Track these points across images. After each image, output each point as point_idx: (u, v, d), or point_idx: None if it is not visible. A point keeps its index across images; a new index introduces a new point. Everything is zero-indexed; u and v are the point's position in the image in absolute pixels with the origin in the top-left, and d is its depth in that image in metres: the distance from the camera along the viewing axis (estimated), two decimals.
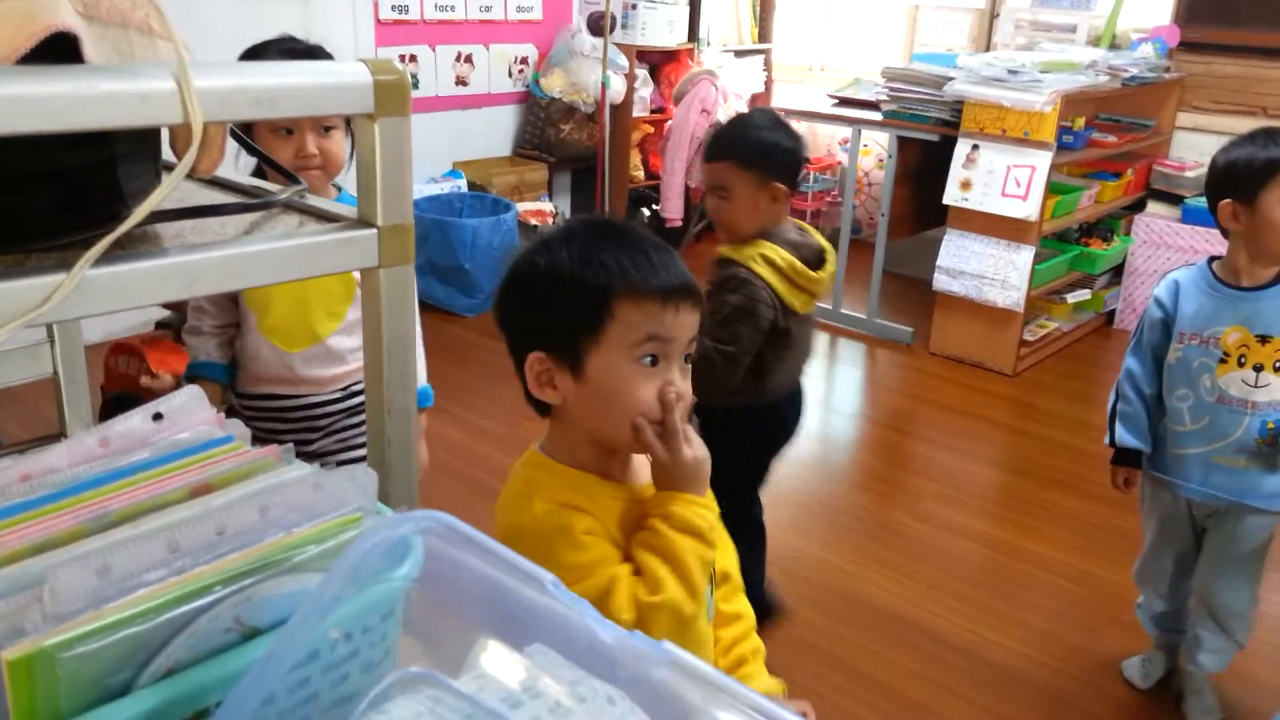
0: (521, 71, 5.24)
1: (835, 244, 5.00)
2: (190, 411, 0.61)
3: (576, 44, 5.10)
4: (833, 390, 4.14)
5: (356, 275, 0.84)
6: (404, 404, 0.86)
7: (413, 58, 4.75)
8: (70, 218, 0.71)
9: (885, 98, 4.33)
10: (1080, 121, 4.12)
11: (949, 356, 4.28)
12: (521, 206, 4.79)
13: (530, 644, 0.42)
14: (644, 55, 5.34)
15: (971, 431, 3.67)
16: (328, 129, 1.61)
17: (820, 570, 2.71)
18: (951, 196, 4.11)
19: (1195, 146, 4.54)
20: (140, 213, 0.65)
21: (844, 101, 4.74)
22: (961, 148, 4.06)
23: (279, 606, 0.50)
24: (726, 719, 0.37)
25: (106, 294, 0.67)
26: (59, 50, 0.64)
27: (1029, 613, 2.53)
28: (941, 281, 4.20)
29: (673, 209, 5.30)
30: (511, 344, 1.05)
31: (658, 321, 0.97)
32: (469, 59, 5.02)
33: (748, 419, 2.09)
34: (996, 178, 3.98)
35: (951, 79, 4.07)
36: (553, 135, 5.11)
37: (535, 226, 4.76)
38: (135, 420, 0.59)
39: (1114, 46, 4.55)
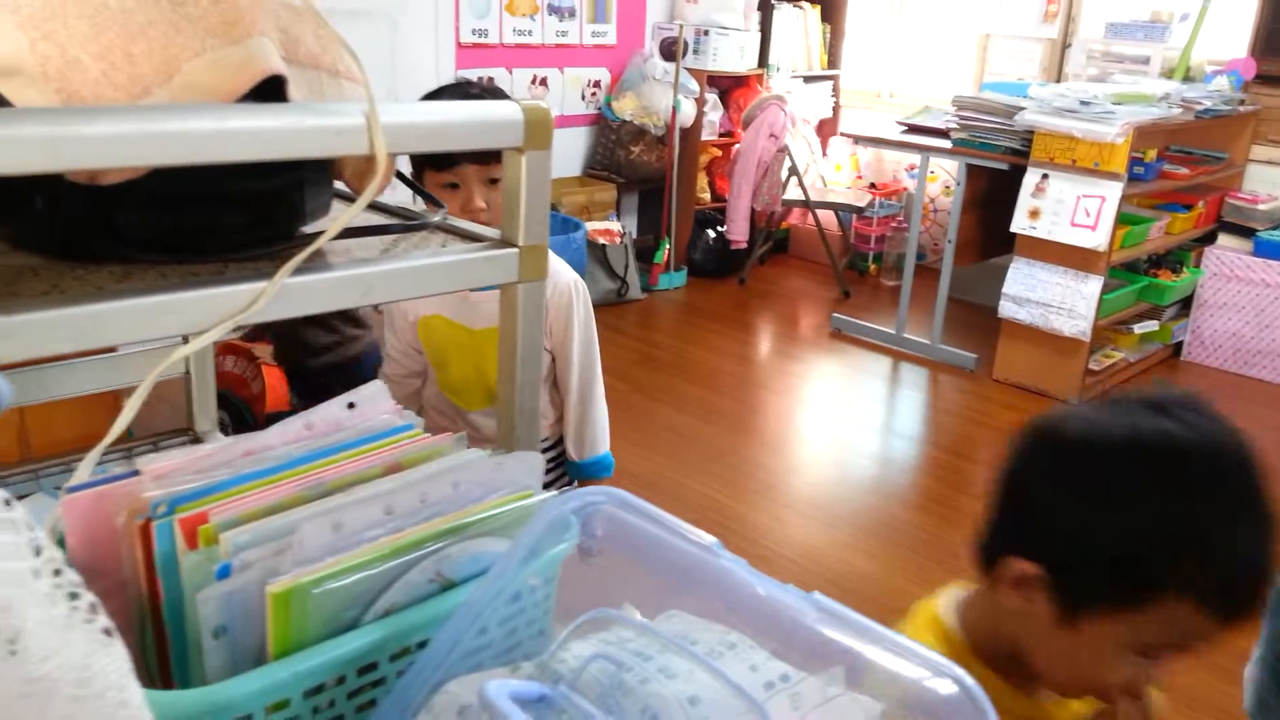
0: (594, 94, 5.37)
1: (900, 269, 5.05)
2: (377, 401, 0.71)
3: (649, 69, 5.23)
4: (894, 414, 4.18)
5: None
6: (531, 405, 0.95)
7: (490, 79, 4.91)
8: (261, 233, 0.81)
9: (955, 125, 4.37)
10: (1152, 153, 4.13)
11: (1013, 384, 4.29)
12: (590, 225, 4.91)
13: (698, 595, 0.51)
14: (714, 80, 5.44)
15: None
16: (494, 181, 1.61)
17: (881, 590, 2.76)
18: (1020, 225, 4.14)
19: (1269, 180, 4.52)
20: (335, 228, 0.76)
21: (913, 128, 4.79)
22: (1031, 177, 4.09)
23: (470, 564, 0.59)
24: (871, 654, 0.45)
25: (296, 300, 0.77)
26: (265, 90, 0.75)
27: None
28: (1007, 308, 4.23)
29: (738, 231, 5.39)
30: (1010, 509, 0.88)
31: (1195, 636, 0.78)
32: (544, 81, 5.17)
33: None
34: (1066, 207, 4.01)
35: (1022, 108, 4.11)
36: (622, 157, 5.23)
37: (603, 246, 4.87)
38: (333, 408, 0.69)
39: (1188, 79, 4.55)
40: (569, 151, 5.38)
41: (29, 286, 0.68)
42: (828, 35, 6.06)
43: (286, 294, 0.76)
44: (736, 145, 5.44)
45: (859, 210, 5.43)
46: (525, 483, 0.64)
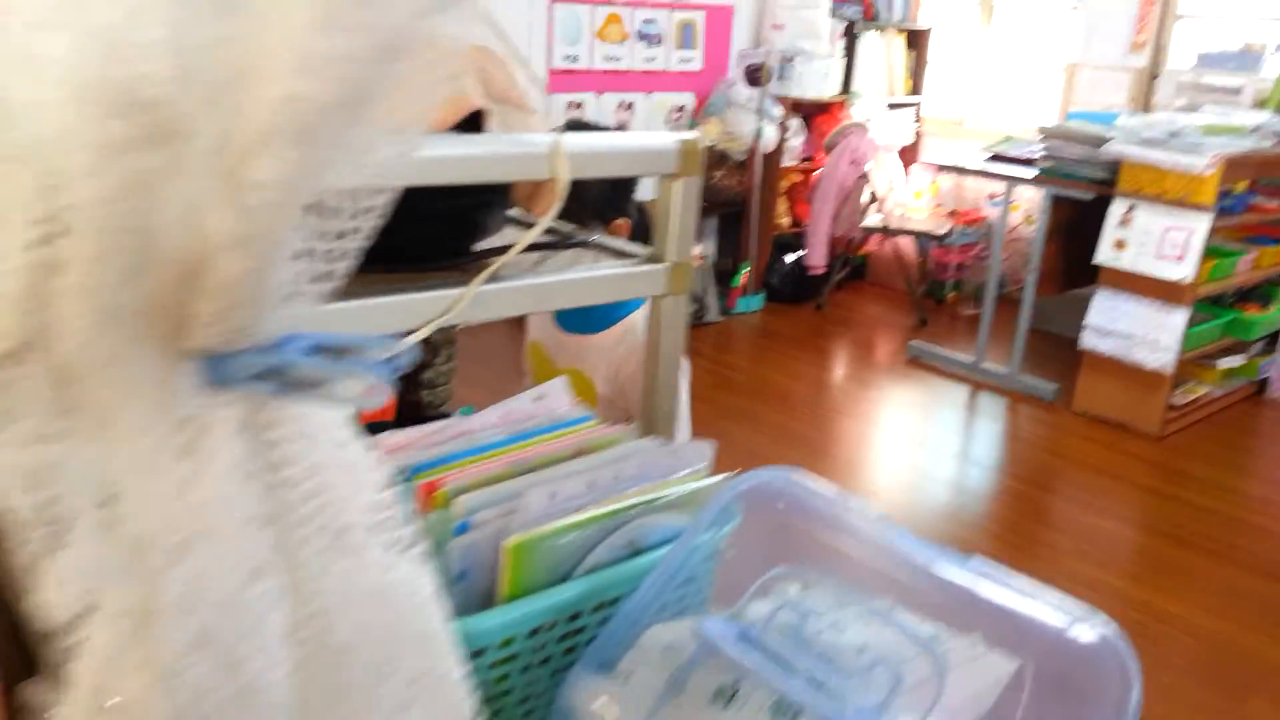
0: (678, 119, 5.50)
1: (978, 297, 5.06)
2: (558, 396, 0.81)
3: (733, 95, 5.33)
4: (971, 442, 4.19)
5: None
6: (669, 407, 1.05)
7: (579, 104, 5.06)
8: (451, 247, 0.92)
9: (1040, 155, 4.39)
10: (1242, 185, 4.11)
11: (1093, 416, 4.28)
12: None
13: (861, 560, 0.59)
14: (797, 106, 5.53)
15: (1113, 491, 3.68)
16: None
17: None
18: (1104, 256, 4.14)
19: None
20: (523, 243, 0.86)
21: (996, 157, 4.81)
22: (1117, 208, 4.09)
23: (655, 534, 0.69)
24: (1021, 606, 0.53)
25: (483, 306, 0.88)
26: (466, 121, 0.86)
27: (1167, 673, 2.56)
28: (1089, 339, 4.22)
29: (816, 256, 5.45)
30: None
31: None
32: (630, 106, 5.31)
33: None
34: (1152, 239, 4.00)
35: (1110, 139, 4.11)
36: (704, 181, 5.34)
37: None
38: (523, 401, 0.80)
39: None
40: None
41: None
42: (911, 62, 6.11)
43: (477, 300, 0.87)
44: (818, 171, 5.52)
45: (938, 238, 5.46)
46: (696, 465, 0.73)
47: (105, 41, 0.30)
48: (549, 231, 1.14)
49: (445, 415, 2.31)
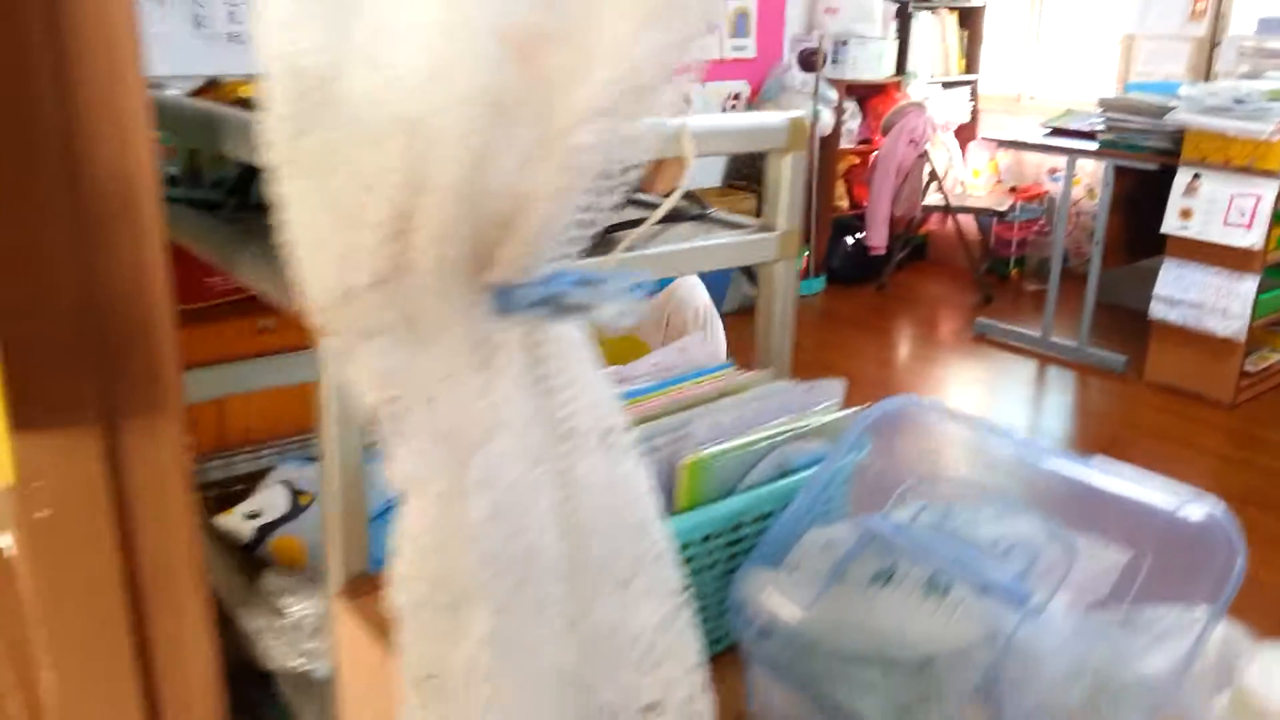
0: (734, 106, 5.57)
1: (1042, 273, 5.07)
2: (697, 348, 0.92)
3: (788, 80, 5.40)
4: (1042, 416, 4.23)
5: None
6: (784, 361, 1.15)
7: None
8: None
9: (1102, 127, 4.40)
10: None
11: (1164, 386, 4.28)
12: None
13: (988, 464, 0.69)
14: (852, 88, 5.57)
15: (1187, 460, 3.69)
16: None
17: None
18: (1171, 225, 4.14)
19: None
20: (658, 214, 0.97)
21: (1056, 131, 4.81)
22: (1182, 177, 4.09)
23: (801, 458, 0.79)
24: (1133, 492, 0.62)
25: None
26: None
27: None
28: (1158, 309, 4.22)
29: (877, 238, 5.49)
30: None
31: None
32: (685, 95, 5.39)
33: None
34: (1219, 207, 3.99)
35: (1172, 108, 4.11)
36: (762, 166, 5.41)
37: None
38: (670, 353, 0.90)
39: None
40: (710, 163, 5.57)
41: None
42: (965, 41, 6.11)
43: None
44: (875, 152, 5.55)
45: (1000, 214, 5.47)
46: (830, 400, 0.84)
47: (465, 36, 0.41)
48: (652, 206, 1.25)
49: None
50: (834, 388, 0.85)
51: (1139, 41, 5.47)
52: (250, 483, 1.50)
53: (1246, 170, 3.89)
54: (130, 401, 0.88)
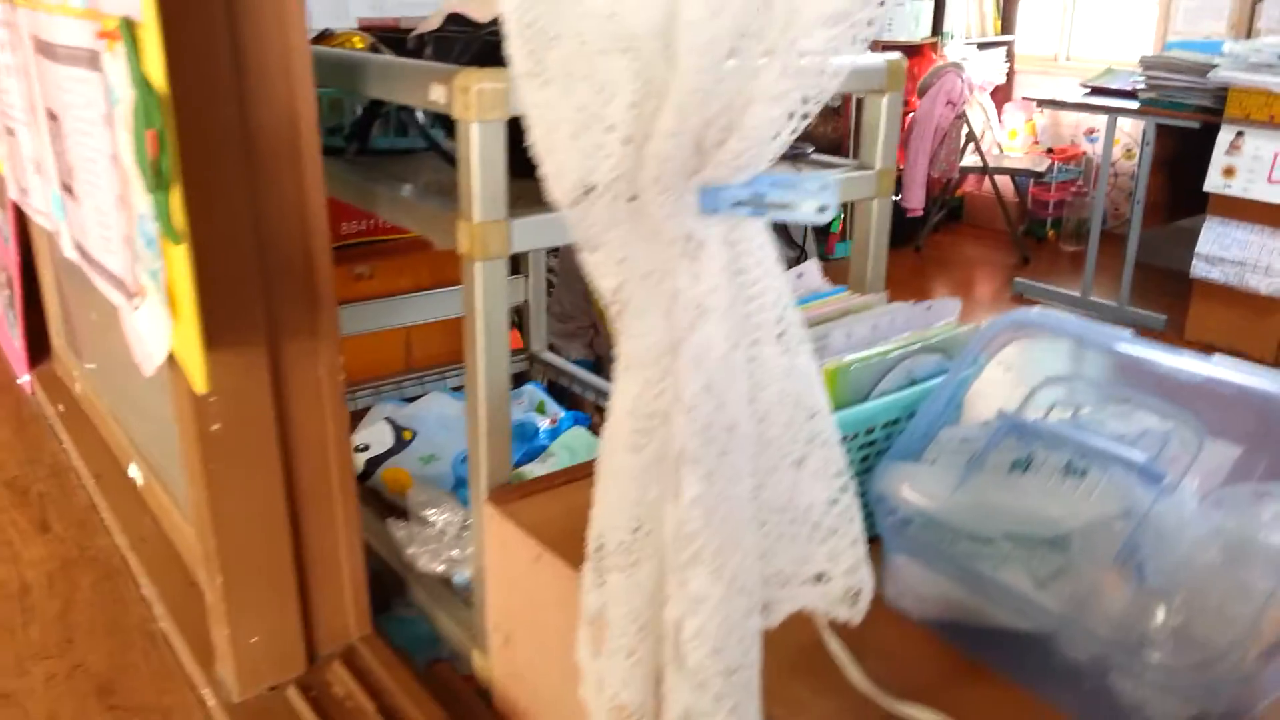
0: None
1: (1080, 234, 5.07)
2: (812, 274, 0.98)
3: None
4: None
5: None
6: (880, 289, 1.21)
7: None
8: None
9: (1143, 86, 4.39)
10: None
11: (1205, 344, 4.30)
12: None
13: (1109, 365, 0.75)
14: (888, 49, 5.55)
15: None
16: None
17: None
18: (1213, 184, 4.14)
19: None
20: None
21: (1096, 90, 4.81)
22: (1225, 135, 4.09)
23: (924, 369, 0.85)
24: (1257, 384, 0.68)
25: None
26: None
27: None
28: (1200, 268, 4.23)
29: (914, 199, 5.50)
30: None
31: None
32: None
33: None
34: (1263, 164, 3.99)
35: (1215, 65, 4.10)
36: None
37: None
38: (790, 276, 0.96)
39: None
40: None
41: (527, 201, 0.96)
42: (1001, 1, 6.08)
43: None
44: (911, 114, 5.55)
45: (1038, 175, 5.47)
46: (948, 318, 0.90)
47: None
48: None
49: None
50: (951, 306, 0.91)
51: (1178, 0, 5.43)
52: (351, 421, 1.58)
53: None
54: (292, 325, 0.95)
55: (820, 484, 0.65)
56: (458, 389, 1.68)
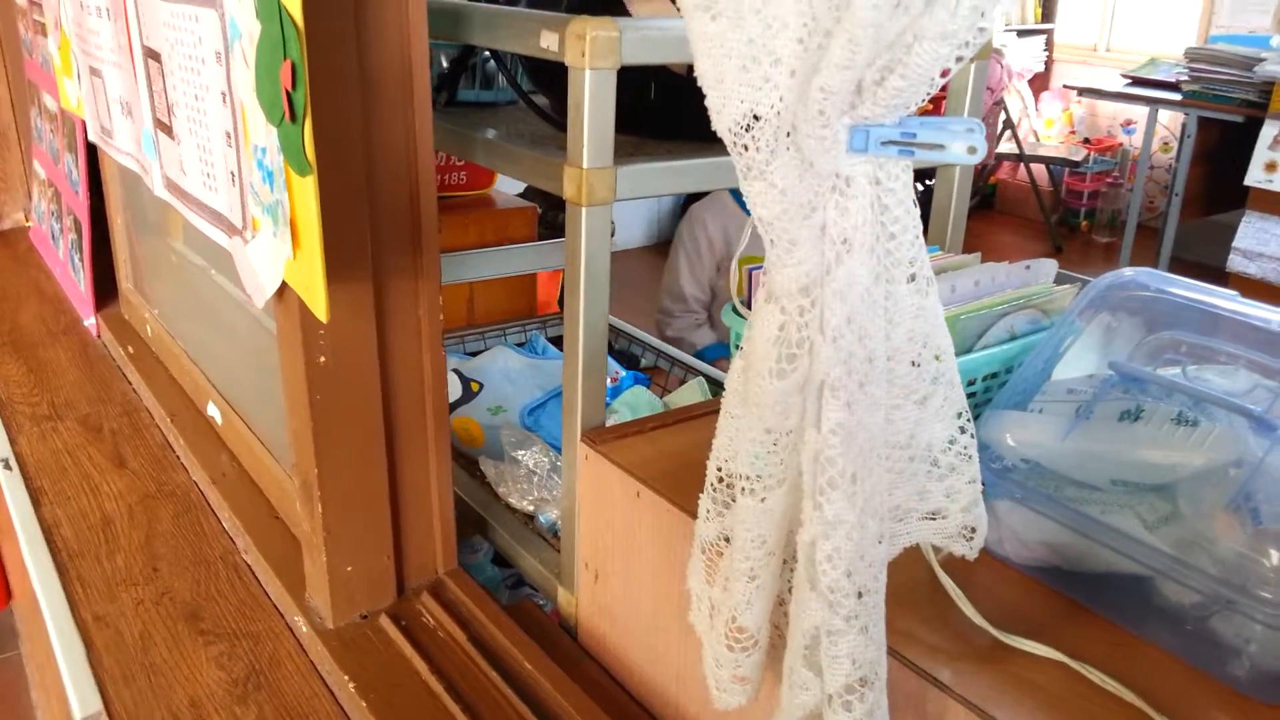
0: None
1: (1114, 224, 5.06)
2: None
3: None
4: None
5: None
6: (957, 247, 1.22)
7: None
8: None
9: (1186, 78, 4.37)
10: None
11: None
12: None
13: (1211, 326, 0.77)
14: None
15: None
16: None
17: None
18: (1255, 178, 4.12)
19: None
20: None
21: (1137, 80, 4.78)
22: (1269, 129, 4.07)
23: (1024, 325, 0.87)
24: None
25: None
26: None
27: None
28: (1237, 263, 4.23)
29: None
30: None
31: None
32: None
33: None
34: None
35: (1263, 60, 4.08)
36: None
37: None
38: None
39: None
40: None
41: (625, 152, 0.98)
42: None
43: None
44: (946, 100, 5.53)
45: (1074, 164, 5.45)
46: (1044, 279, 0.92)
47: None
48: None
49: None
50: (1049, 267, 0.93)
51: None
52: None
53: None
54: (398, 265, 0.97)
55: (941, 423, 0.67)
56: (520, 344, 1.70)
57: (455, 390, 1.50)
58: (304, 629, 1.04)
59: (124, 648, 1.05)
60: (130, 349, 1.72)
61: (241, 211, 0.99)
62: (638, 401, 1.54)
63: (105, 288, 1.90)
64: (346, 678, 0.96)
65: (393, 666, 0.98)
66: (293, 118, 0.82)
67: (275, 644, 1.06)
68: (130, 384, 1.69)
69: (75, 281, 2.00)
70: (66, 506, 1.32)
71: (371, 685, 0.96)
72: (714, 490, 0.71)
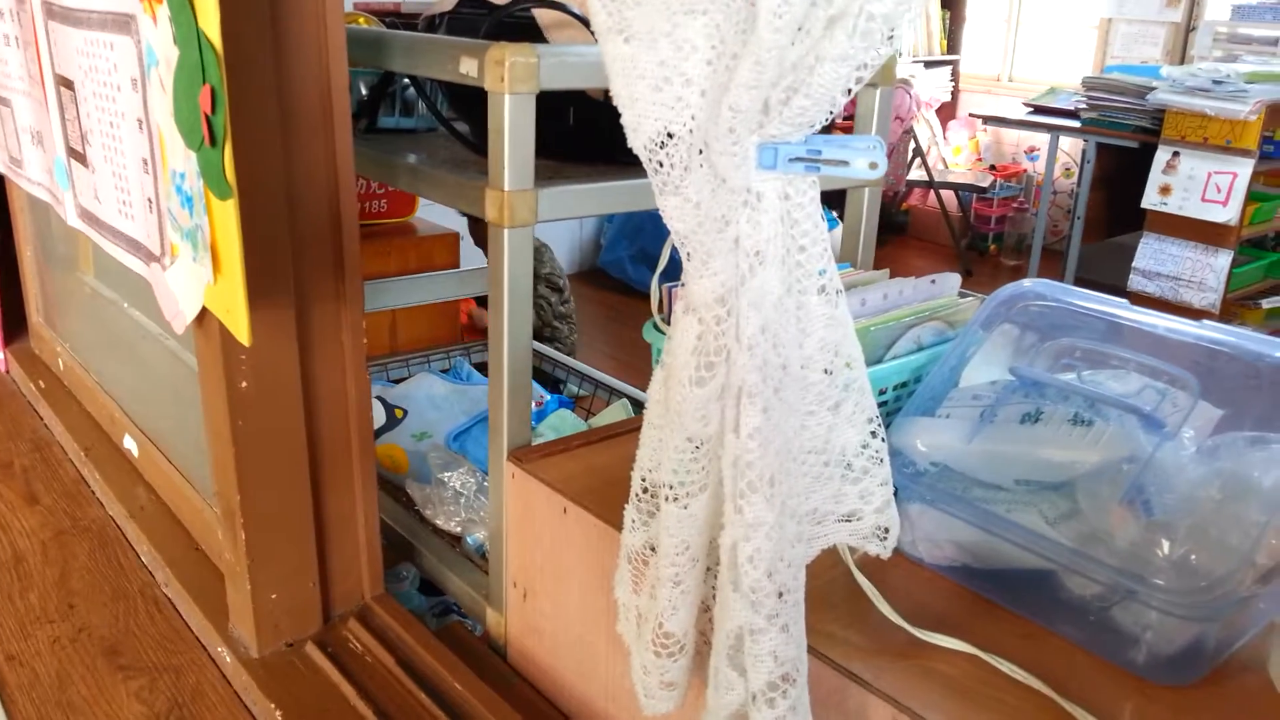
0: None
1: (1020, 249, 5.23)
2: None
3: None
4: None
5: None
6: (867, 265, 1.27)
7: None
8: None
9: (1084, 105, 4.57)
10: None
11: None
12: None
13: (1103, 333, 0.82)
14: None
15: None
16: None
17: None
18: (1150, 201, 4.32)
19: None
20: None
21: (1039, 109, 4.99)
22: (1162, 154, 4.27)
23: (930, 337, 0.91)
24: (1254, 345, 0.75)
25: None
26: None
27: None
28: (1137, 282, 4.41)
29: None
30: None
31: None
32: None
33: None
34: (1197, 183, 4.18)
35: (1154, 88, 4.29)
36: None
37: None
38: None
39: None
40: None
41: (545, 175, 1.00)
42: (947, 21, 6.27)
43: None
44: None
45: (981, 190, 5.64)
46: (949, 292, 0.96)
47: None
48: None
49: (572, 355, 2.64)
50: (953, 280, 0.98)
51: (1116, 25, 5.66)
52: None
53: (1224, 149, 4.08)
54: (320, 289, 0.97)
55: (854, 428, 0.70)
56: (444, 371, 1.70)
57: (379, 417, 1.49)
58: (228, 659, 1.03)
59: (39, 687, 1.02)
60: (41, 383, 1.68)
61: (160, 238, 0.98)
62: (563, 424, 1.55)
63: (14, 322, 1.84)
64: (273, 706, 0.95)
65: (320, 694, 0.97)
66: (212, 142, 0.82)
67: (198, 675, 1.04)
68: (41, 419, 1.64)
69: None
70: None
71: (299, 713, 0.95)
72: (639, 500, 0.73)
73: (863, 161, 0.61)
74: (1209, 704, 0.68)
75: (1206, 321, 0.80)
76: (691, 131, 0.59)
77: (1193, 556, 0.67)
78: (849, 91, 0.59)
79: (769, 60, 0.56)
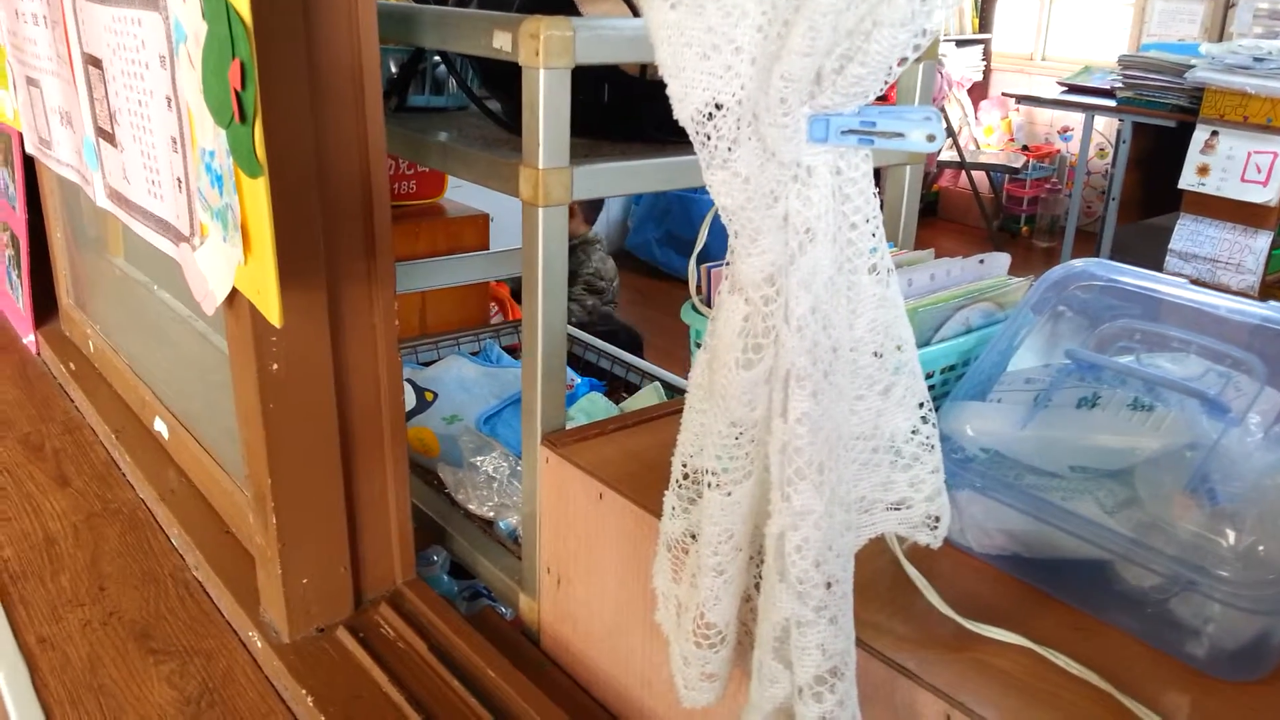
0: None
1: (1053, 230, 5.16)
2: None
3: None
4: None
5: None
6: (908, 245, 1.24)
7: None
8: None
9: (1120, 85, 4.48)
10: None
11: None
12: None
13: (1164, 314, 0.78)
14: None
15: None
16: None
17: None
18: (1188, 181, 4.24)
19: None
20: None
21: (1074, 88, 4.90)
22: (1200, 134, 4.19)
23: (979, 319, 0.88)
24: None
25: None
26: None
27: None
28: (1173, 264, 4.33)
29: None
30: None
31: None
32: None
33: None
34: (1236, 163, 4.10)
35: (1193, 66, 4.20)
36: None
37: None
38: None
39: None
40: None
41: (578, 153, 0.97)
42: (979, 0, 6.17)
43: None
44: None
45: (1014, 171, 5.56)
46: (998, 273, 0.93)
47: None
48: None
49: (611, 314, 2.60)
50: (1002, 261, 0.94)
51: (1153, 2, 5.55)
52: None
53: (1264, 128, 3.99)
54: (351, 269, 0.96)
55: (904, 413, 0.68)
56: (474, 353, 1.69)
57: (410, 400, 1.48)
58: (259, 644, 1.02)
59: (71, 670, 1.02)
60: (72, 365, 1.68)
61: (189, 218, 0.96)
62: (594, 408, 1.53)
63: (44, 304, 1.84)
64: (304, 691, 0.94)
65: (352, 679, 0.96)
66: (242, 118, 0.80)
67: (229, 660, 1.04)
68: (72, 401, 1.64)
69: (13, 299, 1.94)
70: (7, 528, 1.28)
71: (330, 698, 0.94)
72: (679, 486, 0.71)
73: (919, 133, 0.58)
74: (1275, 701, 0.65)
75: (1273, 302, 0.76)
76: (740, 102, 0.56)
77: (1261, 547, 0.64)
78: (904, 60, 0.57)
79: (824, 25, 0.53)
